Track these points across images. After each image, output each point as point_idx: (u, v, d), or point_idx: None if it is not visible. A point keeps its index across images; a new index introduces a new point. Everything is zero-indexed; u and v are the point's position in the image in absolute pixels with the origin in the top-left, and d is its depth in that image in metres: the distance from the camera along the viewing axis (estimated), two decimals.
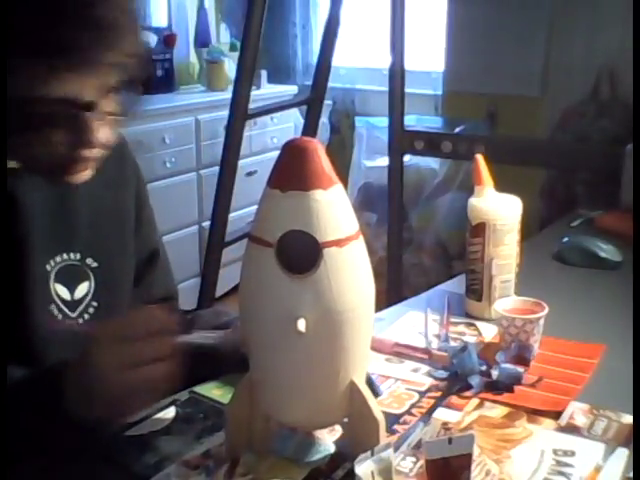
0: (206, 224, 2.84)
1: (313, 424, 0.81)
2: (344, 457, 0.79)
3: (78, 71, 0.77)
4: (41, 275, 0.91)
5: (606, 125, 2.46)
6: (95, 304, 0.96)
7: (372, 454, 0.71)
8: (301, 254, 0.70)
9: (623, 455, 0.80)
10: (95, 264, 0.97)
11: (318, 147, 0.70)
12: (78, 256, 0.95)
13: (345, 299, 0.72)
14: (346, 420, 0.79)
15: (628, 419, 0.87)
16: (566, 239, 1.47)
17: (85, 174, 0.86)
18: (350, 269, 0.73)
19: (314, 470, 0.78)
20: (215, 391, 0.95)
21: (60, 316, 0.93)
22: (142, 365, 0.76)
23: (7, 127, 0.77)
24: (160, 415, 0.89)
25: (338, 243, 0.71)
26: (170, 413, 0.90)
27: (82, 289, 0.95)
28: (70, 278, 0.94)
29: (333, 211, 0.71)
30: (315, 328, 0.71)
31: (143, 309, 0.88)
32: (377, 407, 0.78)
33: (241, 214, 2.82)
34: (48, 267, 0.92)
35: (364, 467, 0.70)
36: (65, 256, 0.94)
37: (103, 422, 0.81)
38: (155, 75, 3.11)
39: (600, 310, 1.21)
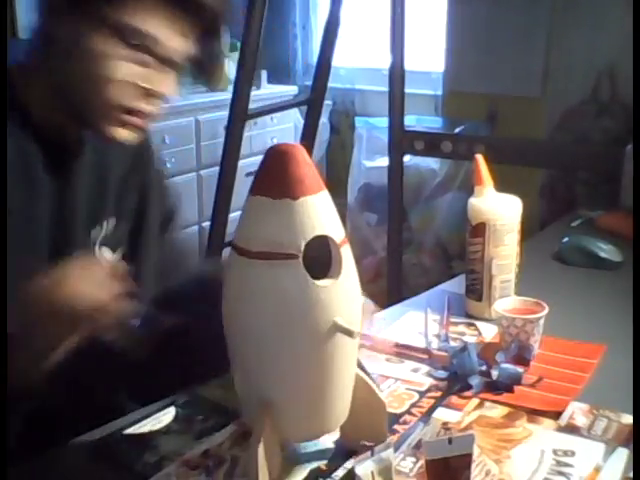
0: (206, 224, 2.84)
1: (333, 429, 0.80)
2: (344, 457, 0.79)
3: (193, 25, 0.88)
4: (84, 239, 0.99)
5: (606, 125, 2.46)
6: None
7: (372, 454, 0.71)
8: (324, 259, 0.70)
9: (623, 455, 0.80)
10: (125, 227, 1.05)
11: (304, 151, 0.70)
12: (114, 221, 1.03)
13: (358, 297, 0.73)
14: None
15: (628, 419, 0.87)
16: (566, 239, 1.47)
17: (132, 134, 0.93)
18: (353, 266, 0.73)
19: (314, 470, 0.78)
20: (215, 392, 0.95)
21: None
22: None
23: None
24: (160, 415, 0.89)
25: (345, 243, 0.72)
26: (170, 413, 0.90)
27: (119, 253, 1.05)
28: (112, 242, 1.03)
29: (334, 212, 0.72)
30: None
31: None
32: (378, 389, 0.80)
33: None
34: (94, 233, 1.00)
35: (364, 467, 0.70)
36: (105, 223, 1.02)
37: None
38: None
39: (600, 310, 1.20)
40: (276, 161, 0.69)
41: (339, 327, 0.70)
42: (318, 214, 0.69)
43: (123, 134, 0.93)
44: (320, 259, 0.71)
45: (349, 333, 0.70)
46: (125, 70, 0.88)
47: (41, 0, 0.90)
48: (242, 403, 0.78)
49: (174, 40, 0.89)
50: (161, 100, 0.92)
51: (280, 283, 0.69)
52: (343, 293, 0.71)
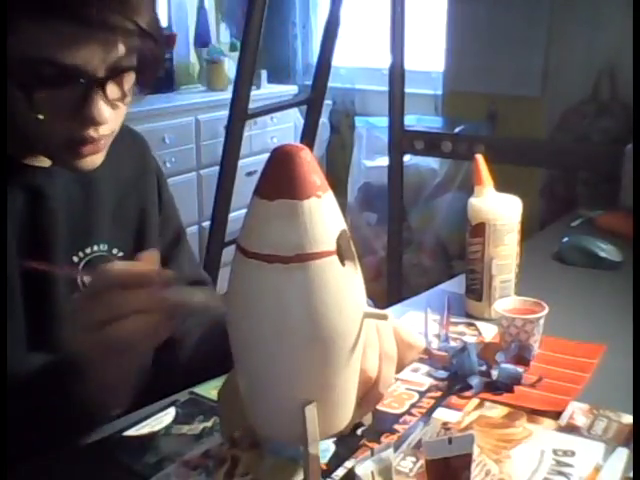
0: (206, 224, 2.84)
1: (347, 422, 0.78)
2: (344, 457, 0.79)
3: (86, 34, 0.76)
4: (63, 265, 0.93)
5: (606, 125, 2.46)
6: None
7: (372, 454, 0.71)
8: (342, 250, 0.70)
9: (623, 455, 0.80)
10: (121, 253, 0.98)
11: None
12: (106, 247, 0.97)
13: None
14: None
15: (628, 419, 0.87)
16: (566, 239, 1.47)
17: (95, 158, 0.86)
18: None
19: None
20: (215, 391, 0.95)
21: None
22: (117, 320, 0.71)
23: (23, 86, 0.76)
24: (160, 415, 0.89)
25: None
26: (170, 413, 0.90)
27: None
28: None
29: None
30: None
31: (119, 263, 0.86)
32: None
33: (241, 214, 2.81)
34: (75, 259, 0.94)
35: (364, 467, 0.70)
36: (95, 247, 0.96)
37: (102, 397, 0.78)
38: None
39: (600, 310, 1.20)
40: (290, 163, 0.68)
41: (371, 314, 0.71)
42: (337, 208, 0.70)
43: (86, 164, 0.86)
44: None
45: (383, 317, 0.72)
46: (53, 106, 0.79)
47: None
48: (251, 410, 0.75)
49: (98, 63, 0.78)
50: (109, 122, 0.83)
51: (323, 282, 0.67)
52: (361, 279, 0.72)
